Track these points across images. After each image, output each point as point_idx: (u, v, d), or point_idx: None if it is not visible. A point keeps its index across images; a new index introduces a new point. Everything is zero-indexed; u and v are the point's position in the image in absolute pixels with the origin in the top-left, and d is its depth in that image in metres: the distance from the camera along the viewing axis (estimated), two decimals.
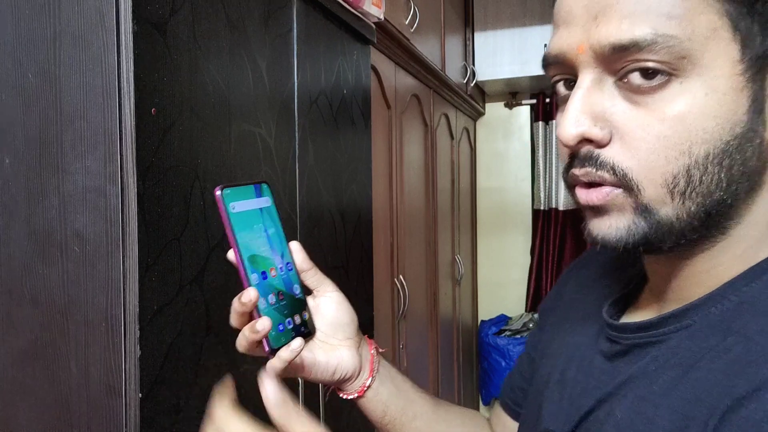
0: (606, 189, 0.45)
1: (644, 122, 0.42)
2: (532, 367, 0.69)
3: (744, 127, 0.42)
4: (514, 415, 0.73)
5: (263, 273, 0.56)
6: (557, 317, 0.67)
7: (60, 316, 0.78)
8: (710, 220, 0.44)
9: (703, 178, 0.42)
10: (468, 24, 2.85)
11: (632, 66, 0.42)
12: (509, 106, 3.29)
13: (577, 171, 0.46)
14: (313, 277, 0.60)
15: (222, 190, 0.54)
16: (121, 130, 0.74)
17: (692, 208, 0.43)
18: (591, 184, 0.45)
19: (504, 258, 3.31)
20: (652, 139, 0.42)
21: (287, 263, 0.58)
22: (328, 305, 0.61)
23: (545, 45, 0.49)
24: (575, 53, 0.44)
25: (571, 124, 0.44)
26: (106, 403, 0.76)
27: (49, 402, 0.79)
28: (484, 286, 3.32)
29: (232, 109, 0.95)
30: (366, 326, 1.47)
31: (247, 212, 0.55)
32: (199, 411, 0.87)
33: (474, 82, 2.82)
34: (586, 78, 0.44)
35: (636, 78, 0.42)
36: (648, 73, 0.42)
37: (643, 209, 0.44)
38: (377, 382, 0.65)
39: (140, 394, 0.75)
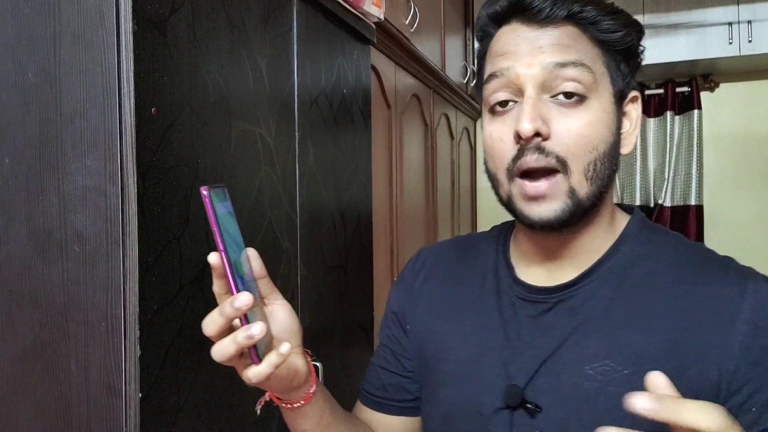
0: (550, 181, 0.63)
1: (571, 125, 0.63)
2: (402, 363, 0.79)
3: (615, 137, 0.66)
4: (388, 409, 0.80)
5: (241, 278, 0.54)
6: (434, 310, 0.77)
7: (60, 315, 0.78)
8: (598, 201, 0.65)
9: (602, 167, 0.64)
10: (468, 24, 2.85)
11: (561, 88, 0.63)
12: None
13: (528, 159, 0.63)
14: (266, 285, 0.60)
15: (209, 190, 0.52)
16: (121, 130, 0.74)
17: (595, 191, 0.64)
18: (533, 177, 0.63)
19: None
20: (577, 136, 0.62)
21: (249, 269, 0.57)
22: (281, 312, 0.61)
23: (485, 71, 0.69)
24: (525, 69, 0.63)
25: (529, 121, 0.61)
26: (106, 403, 0.76)
27: (49, 402, 0.79)
28: None
29: (232, 109, 0.95)
30: (366, 326, 1.47)
31: (224, 215, 0.54)
32: (199, 411, 0.87)
33: (474, 81, 2.82)
34: (532, 92, 0.63)
35: (562, 97, 0.63)
36: (569, 95, 0.63)
37: (571, 192, 0.63)
38: (317, 389, 0.66)
39: (140, 394, 0.75)
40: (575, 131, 0.62)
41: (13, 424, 0.80)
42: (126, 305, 0.75)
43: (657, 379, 0.50)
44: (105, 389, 0.76)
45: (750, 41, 2.52)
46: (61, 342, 0.78)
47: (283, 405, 0.65)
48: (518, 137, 0.62)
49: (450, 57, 2.48)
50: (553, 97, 0.63)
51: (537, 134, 0.62)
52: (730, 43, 2.53)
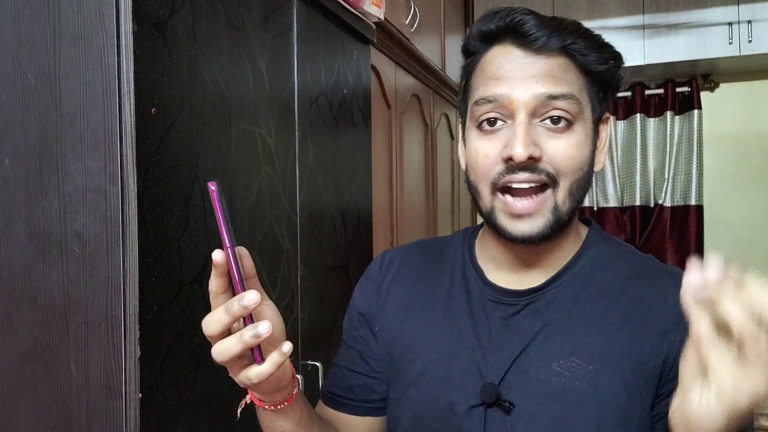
0: (541, 196, 0.67)
1: (560, 147, 0.67)
2: (370, 363, 0.80)
3: (591, 158, 0.71)
4: (353, 410, 0.81)
5: (241, 276, 0.54)
6: (402, 312, 0.79)
7: (60, 316, 0.78)
8: (574, 216, 0.71)
9: (584, 186, 0.70)
10: (468, 24, 2.85)
11: (549, 114, 0.67)
12: None
13: (520, 176, 0.67)
14: (255, 284, 0.60)
15: (217, 185, 0.51)
16: (121, 130, 0.74)
17: (573, 207, 0.69)
18: (517, 193, 0.67)
19: None
20: (566, 158, 0.68)
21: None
22: (270, 313, 0.60)
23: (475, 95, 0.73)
24: (518, 96, 0.67)
25: (523, 146, 0.65)
26: (106, 404, 0.76)
27: (49, 403, 0.79)
28: None
29: (232, 109, 0.95)
30: None
31: (225, 211, 0.53)
32: (199, 411, 0.87)
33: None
34: (524, 118, 0.67)
35: (549, 123, 0.68)
36: (556, 120, 0.67)
37: (555, 209, 0.68)
38: (297, 389, 0.66)
39: (140, 395, 0.75)
40: (565, 152, 0.67)
41: (13, 425, 0.80)
42: (126, 306, 0.75)
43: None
44: (105, 390, 0.76)
45: (750, 41, 2.52)
46: (61, 343, 0.78)
47: (267, 407, 0.64)
48: (508, 159, 0.66)
49: (450, 57, 2.48)
50: (541, 121, 0.68)
51: (530, 157, 0.66)
52: (730, 43, 2.53)
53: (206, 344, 0.88)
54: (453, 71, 2.53)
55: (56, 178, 0.77)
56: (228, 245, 0.52)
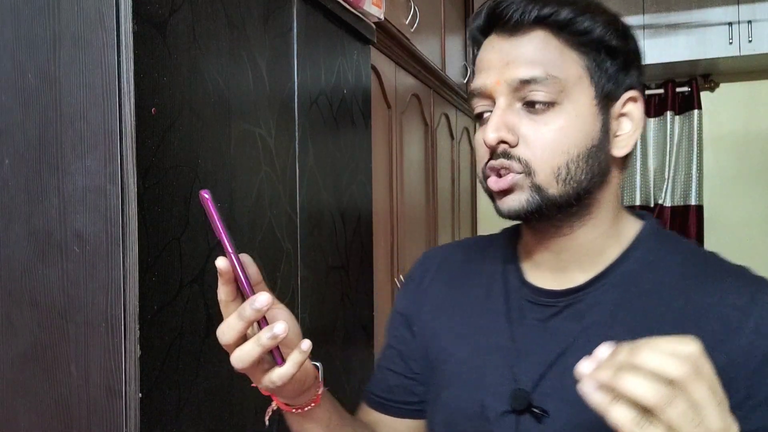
0: (510, 176, 0.65)
1: (540, 131, 0.64)
2: (409, 364, 0.79)
3: (597, 140, 0.65)
4: (393, 411, 0.80)
5: (248, 280, 0.53)
6: (438, 311, 0.77)
7: (60, 316, 0.78)
8: (581, 201, 0.66)
9: (576, 170, 0.64)
10: (468, 24, 2.85)
11: (530, 96, 0.64)
12: None
13: (494, 162, 0.65)
14: (263, 289, 0.59)
15: (209, 192, 0.51)
16: (121, 130, 0.74)
17: (570, 191, 0.65)
18: (500, 174, 0.65)
19: None
20: (544, 142, 0.64)
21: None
22: (284, 315, 0.60)
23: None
24: (494, 85, 0.65)
25: (493, 130, 0.64)
26: (106, 404, 0.76)
27: (49, 403, 0.79)
28: None
29: (232, 109, 0.95)
30: (367, 326, 1.47)
31: (221, 217, 0.53)
32: (199, 411, 0.87)
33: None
34: (502, 102, 0.65)
35: (531, 104, 0.64)
36: (534, 104, 0.64)
37: (536, 188, 0.64)
38: (323, 390, 0.66)
39: (140, 395, 0.75)
40: (542, 137, 0.64)
41: (13, 425, 0.80)
42: (126, 305, 0.75)
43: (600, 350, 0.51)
44: (105, 390, 0.76)
45: (750, 41, 2.52)
46: (61, 343, 0.78)
47: (294, 411, 0.64)
48: (485, 144, 0.66)
49: (450, 57, 2.48)
50: (524, 104, 0.65)
51: (503, 141, 0.64)
52: (730, 43, 2.53)
53: (206, 344, 0.88)
54: (453, 71, 2.53)
55: (56, 178, 0.77)
56: (230, 251, 0.52)
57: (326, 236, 1.27)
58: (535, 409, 0.64)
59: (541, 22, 0.64)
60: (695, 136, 2.81)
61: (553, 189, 0.64)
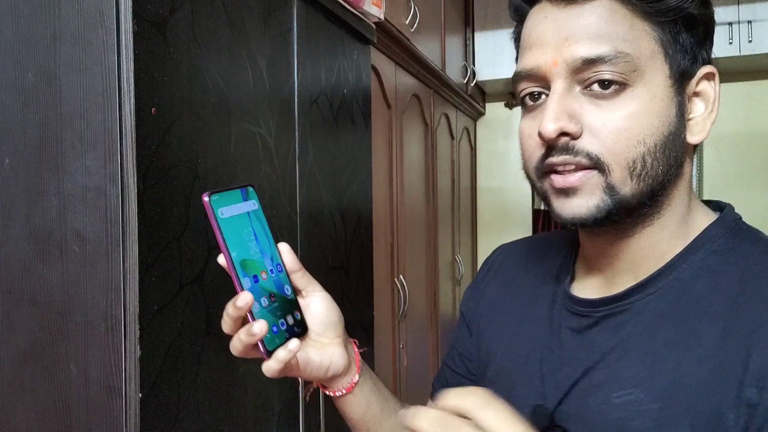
0: (581, 174, 0.55)
1: (608, 119, 0.54)
2: (465, 363, 0.77)
3: (674, 126, 0.56)
4: None
5: (254, 276, 0.56)
6: (491, 312, 0.74)
7: (59, 316, 0.78)
8: (654, 199, 0.57)
9: (653, 163, 0.55)
10: (468, 24, 2.85)
11: (595, 77, 0.54)
12: (509, 106, 3.29)
13: (555, 159, 0.56)
14: (302, 278, 0.62)
15: (210, 196, 0.54)
16: (121, 130, 0.74)
17: (644, 189, 0.55)
18: (564, 174, 0.56)
19: None
20: (615, 131, 0.54)
21: (277, 265, 0.59)
22: (318, 305, 0.62)
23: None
24: (549, 66, 0.55)
25: (552, 120, 0.54)
26: (106, 404, 0.76)
27: (48, 403, 0.79)
28: None
29: (232, 109, 0.95)
30: (366, 326, 1.47)
31: (235, 216, 0.56)
32: (199, 411, 0.87)
33: (474, 82, 2.82)
34: (559, 86, 0.55)
35: (597, 87, 0.54)
36: (605, 84, 0.54)
37: (610, 189, 0.55)
38: (362, 379, 0.66)
39: (140, 395, 0.75)
40: (613, 126, 0.54)
41: (13, 424, 0.80)
42: (126, 305, 0.75)
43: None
44: (105, 390, 0.76)
45: (750, 41, 2.52)
46: (61, 342, 0.78)
47: (327, 392, 0.65)
48: (541, 138, 0.56)
49: (450, 57, 2.48)
50: (586, 88, 0.55)
51: (564, 134, 0.55)
52: (730, 43, 2.53)
53: (206, 344, 0.88)
54: (453, 71, 2.53)
55: (56, 178, 0.77)
56: (223, 249, 0.54)
57: (326, 236, 1.27)
58: (556, 427, 0.59)
59: None
60: None
61: (627, 188, 0.55)
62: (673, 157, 0.56)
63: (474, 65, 2.85)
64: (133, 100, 0.74)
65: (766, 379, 0.49)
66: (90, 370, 0.76)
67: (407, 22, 1.89)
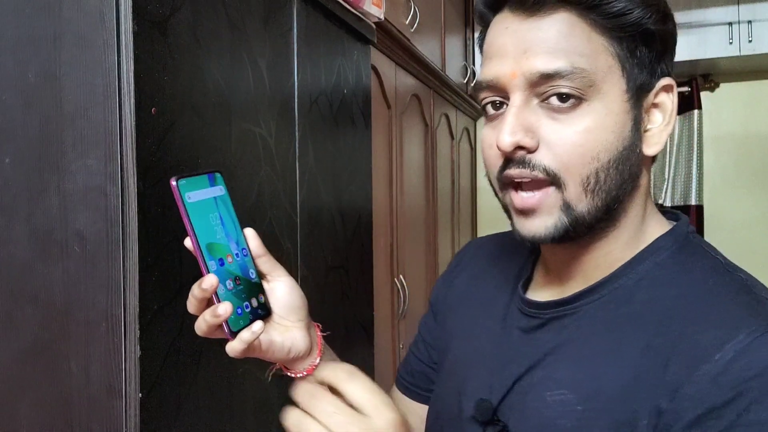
0: (539, 193, 0.56)
1: (564, 134, 0.55)
2: (429, 351, 0.78)
3: (629, 140, 0.56)
4: (414, 395, 0.80)
5: (220, 260, 0.57)
6: (456, 305, 0.75)
7: (60, 315, 0.78)
8: (609, 214, 0.58)
9: (607, 179, 0.55)
10: (468, 24, 2.85)
11: (552, 91, 0.54)
12: None
13: (512, 171, 0.57)
14: (266, 262, 0.62)
15: (177, 180, 0.55)
16: (121, 130, 0.74)
17: (599, 204, 0.56)
18: (523, 187, 0.57)
19: None
20: (570, 146, 0.55)
21: (242, 249, 0.60)
22: (282, 289, 0.63)
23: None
24: (509, 78, 0.56)
25: (508, 134, 0.55)
26: (107, 403, 0.76)
27: (49, 402, 0.79)
28: None
29: (233, 109, 0.95)
30: (366, 326, 1.47)
31: (202, 201, 0.57)
32: (199, 411, 0.87)
33: (474, 82, 2.82)
34: (517, 99, 0.56)
35: (554, 101, 0.55)
36: (562, 97, 0.54)
37: (566, 206, 0.56)
38: (322, 362, 0.66)
39: (140, 394, 0.75)
40: (568, 141, 0.54)
41: (14, 423, 0.80)
42: (126, 305, 0.75)
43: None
44: (105, 389, 0.76)
45: (750, 41, 2.52)
46: (62, 342, 0.78)
47: (289, 374, 0.66)
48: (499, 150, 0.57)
49: (450, 57, 2.48)
50: (543, 101, 0.55)
51: (521, 147, 0.56)
52: (730, 43, 2.53)
53: (206, 344, 0.88)
54: (453, 71, 2.53)
55: (57, 178, 0.77)
56: (189, 233, 0.56)
57: (326, 236, 1.27)
58: (497, 421, 0.62)
59: (564, 2, 0.54)
60: (695, 136, 2.81)
61: (582, 204, 0.56)
62: (628, 172, 0.57)
63: (474, 65, 2.85)
64: (133, 100, 0.74)
65: (678, 390, 0.50)
66: (90, 369, 0.77)
67: (407, 22, 1.89)
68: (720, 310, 0.53)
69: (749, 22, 2.52)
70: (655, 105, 0.59)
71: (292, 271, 1.13)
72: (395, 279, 1.86)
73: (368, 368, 1.45)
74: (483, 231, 3.28)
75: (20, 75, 0.79)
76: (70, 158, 0.76)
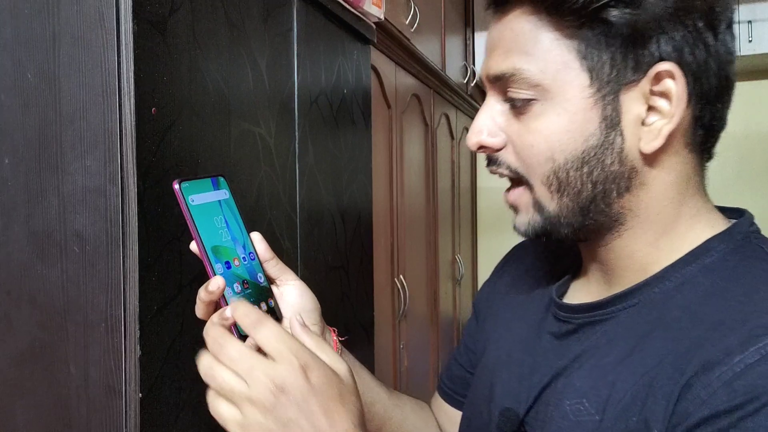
0: (517, 191, 0.57)
1: (522, 134, 0.55)
2: (469, 356, 0.76)
3: (597, 139, 0.52)
4: (454, 402, 0.78)
5: (227, 263, 0.57)
6: (496, 307, 0.73)
7: (59, 316, 0.78)
8: (591, 214, 0.55)
9: (569, 179, 0.53)
10: (468, 24, 2.85)
11: (509, 94, 0.54)
12: None
13: (488, 168, 0.58)
14: (275, 266, 0.62)
15: (180, 183, 0.55)
16: (121, 130, 0.74)
17: (569, 204, 0.54)
18: (510, 185, 0.58)
19: None
20: (527, 147, 0.54)
21: (249, 253, 0.60)
22: (292, 293, 0.62)
23: None
24: (483, 79, 0.57)
25: (473, 133, 0.57)
26: (106, 404, 0.76)
27: (48, 403, 0.79)
28: None
29: (232, 109, 0.95)
30: (366, 326, 1.47)
31: (206, 204, 0.57)
32: (199, 411, 0.87)
33: (474, 82, 2.82)
34: (490, 98, 0.57)
35: (513, 101, 0.54)
36: (514, 99, 0.54)
37: (537, 206, 0.56)
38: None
39: (140, 395, 0.75)
40: (524, 142, 0.54)
41: (12, 424, 0.80)
42: (126, 305, 0.75)
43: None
44: (105, 390, 0.76)
45: (750, 41, 2.52)
46: (61, 343, 0.78)
47: None
48: None
49: (450, 57, 2.48)
50: (506, 102, 0.56)
51: (484, 146, 0.57)
52: None
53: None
54: (453, 71, 2.53)
55: (56, 178, 0.77)
56: (194, 236, 0.56)
57: (326, 236, 1.27)
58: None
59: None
60: None
61: (552, 205, 0.55)
62: (600, 172, 0.53)
63: (474, 65, 2.85)
64: (133, 100, 0.74)
65: (690, 391, 0.46)
66: (90, 370, 0.76)
67: (407, 22, 1.89)
68: (759, 317, 0.47)
69: (749, 22, 2.52)
70: (657, 94, 0.52)
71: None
72: (395, 279, 1.86)
73: (368, 368, 1.44)
74: (483, 231, 3.28)
75: (19, 75, 0.78)
76: (69, 158, 0.76)
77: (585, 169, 0.53)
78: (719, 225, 0.58)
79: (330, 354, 0.52)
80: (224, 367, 0.53)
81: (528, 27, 0.53)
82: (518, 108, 0.54)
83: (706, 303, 0.50)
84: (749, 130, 2.85)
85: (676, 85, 0.51)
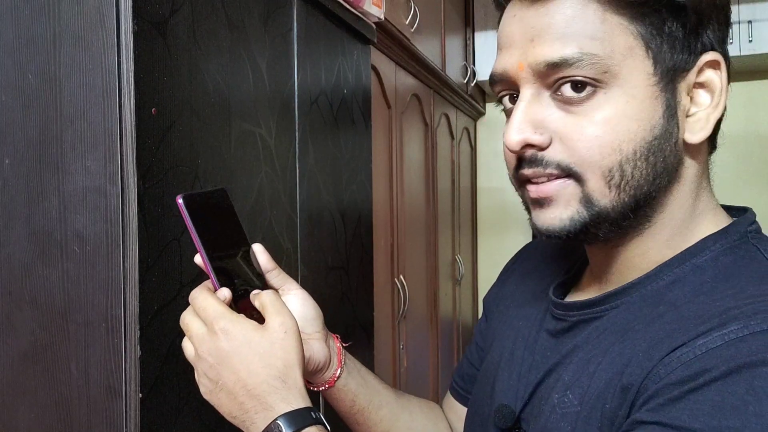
0: (557, 181, 0.52)
1: (579, 126, 0.50)
2: (479, 354, 0.76)
3: (661, 129, 0.51)
4: (464, 400, 0.77)
5: (230, 275, 0.59)
6: (503, 306, 0.73)
7: (60, 316, 0.78)
8: (639, 211, 0.52)
9: (634, 172, 0.50)
10: (468, 24, 2.85)
11: (562, 81, 0.50)
12: None
13: (526, 171, 0.53)
14: (277, 276, 0.63)
15: (183, 198, 0.57)
16: (121, 130, 0.74)
17: (626, 200, 0.51)
18: (540, 181, 0.53)
19: (504, 258, 3.26)
20: (587, 139, 0.50)
21: (251, 264, 0.61)
22: (295, 302, 0.63)
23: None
24: (516, 71, 0.52)
25: (515, 131, 0.51)
26: (107, 404, 0.76)
27: (48, 403, 0.79)
28: (484, 286, 3.32)
29: (232, 109, 0.95)
30: (366, 326, 1.47)
31: (209, 217, 0.58)
32: (199, 411, 0.87)
33: (474, 82, 2.82)
34: (527, 92, 0.52)
35: (567, 91, 0.50)
36: (577, 86, 0.50)
37: (587, 200, 0.51)
38: (345, 373, 0.67)
39: (140, 395, 0.75)
40: (584, 133, 0.50)
41: (13, 425, 0.80)
42: (126, 306, 0.75)
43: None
44: (105, 390, 0.76)
45: (750, 41, 2.52)
46: (61, 343, 0.78)
47: (311, 387, 0.66)
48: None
49: (450, 57, 2.48)
50: (555, 92, 0.51)
51: (531, 145, 0.52)
52: (731, 43, 2.53)
53: None
54: (453, 71, 2.53)
55: (56, 178, 0.77)
56: (199, 249, 0.58)
57: (326, 236, 1.27)
58: (519, 428, 0.59)
59: None
60: None
61: (606, 200, 0.51)
62: (662, 163, 0.51)
63: (474, 65, 2.85)
64: (133, 101, 0.74)
65: (651, 372, 0.46)
66: (90, 370, 0.77)
67: (407, 22, 1.89)
68: (735, 311, 0.46)
69: (749, 22, 2.51)
70: (699, 85, 0.52)
71: (292, 272, 1.13)
72: (395, 279, 1.86)
73: (368, 368, 1.44)
74: (483, 231, 3.28)
75: (19, 76, 0.78)
76: (69, 159, 0.76)
77: (651, 160, 0.51)
78: (720, 222, 0.56)
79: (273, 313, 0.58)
80: (195, 315, 0.58)
81: (591, 10, 0.49)
82: (572, 99, 0.50)
83: (693, 301, 0.50)
84: (749, 130, 2.85)
85: (720, 74, 0.51)
